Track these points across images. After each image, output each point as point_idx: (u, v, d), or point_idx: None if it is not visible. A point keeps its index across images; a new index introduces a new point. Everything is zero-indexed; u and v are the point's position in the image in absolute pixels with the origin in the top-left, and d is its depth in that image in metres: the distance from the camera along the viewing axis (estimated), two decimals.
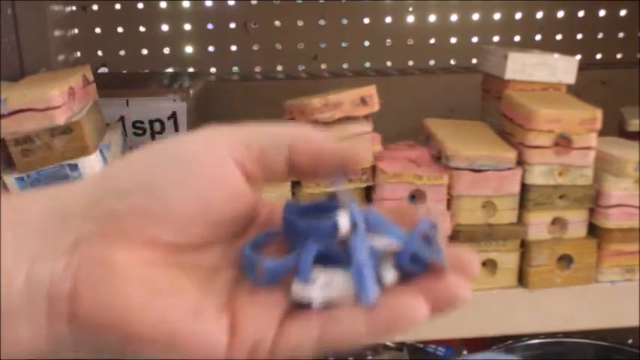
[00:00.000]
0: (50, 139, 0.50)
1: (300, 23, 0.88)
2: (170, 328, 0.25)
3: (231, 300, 0.27)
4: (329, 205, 0.28)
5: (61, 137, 0.50)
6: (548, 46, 0.89)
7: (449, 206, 0.54)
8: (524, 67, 0.59)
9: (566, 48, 0.89)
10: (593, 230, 0.57)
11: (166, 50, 0.87)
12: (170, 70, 0.87)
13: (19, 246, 0.25)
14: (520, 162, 0.55)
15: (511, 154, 0.54)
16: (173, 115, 0.64)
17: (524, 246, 0.56)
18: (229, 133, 0.29)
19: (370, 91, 0.52)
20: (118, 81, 0.73)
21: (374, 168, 0.54)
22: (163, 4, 0.86)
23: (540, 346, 0.86)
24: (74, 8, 0.85)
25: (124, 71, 0.87)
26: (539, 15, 0.91)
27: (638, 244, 0.57)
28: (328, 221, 0.27)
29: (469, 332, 0.58)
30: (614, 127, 0.66)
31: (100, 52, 0.87)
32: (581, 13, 0.91)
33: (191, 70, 0.87)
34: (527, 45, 0.89)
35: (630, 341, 0.90)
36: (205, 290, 0.27)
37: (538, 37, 0.91)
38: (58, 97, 0.49)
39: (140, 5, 0.86)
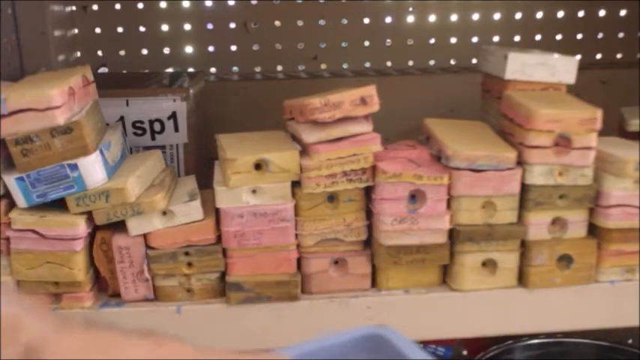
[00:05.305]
0: (50, 139, 0.50)
1: (300, 23, 0.88)
2: None
3: None
4: None
5: (61, 137, 0.50)
6: (548, 46, 0.89)
7: (449, 206, 0.54)
8: (524, 67, 0.59)
9: (566, 48, 0.89)
10: (593, 230, 0.57)
11: (166, 50, 0.87)
12: (170, 70, 0.87)
13: None
14: (520, 162, 0.54)
15: (511, 154, 0.54)
16: (173, 115, 0.64)
17: (524, 246, 0.56)
18: None
19: (370, 91, 0.52)
20: (118, 81, 0.73)
21: (374, 168, 0.54)
22: (163, 4, 0.86)
23: (540, 346, 0.86)
24: (74, 8, 0.85)
25: (124, 71, 0.87)
26: (539, 15, 0.91)
27: (638, 244, 0.57)
28: None
29: (469, 332, 0.58)
30: (614, 127, 0.66)
31: (100, 52, 0.87)
32: (581, 13, 0.91)
33: (191, 70, 0.87)
34: (527, 45, 0.89)
35: (630, 341, 0.90)
36: None
37: (538, 37, 0.91)
38: (58, 97, 0.49)
39: (140, 5, 0.86)
